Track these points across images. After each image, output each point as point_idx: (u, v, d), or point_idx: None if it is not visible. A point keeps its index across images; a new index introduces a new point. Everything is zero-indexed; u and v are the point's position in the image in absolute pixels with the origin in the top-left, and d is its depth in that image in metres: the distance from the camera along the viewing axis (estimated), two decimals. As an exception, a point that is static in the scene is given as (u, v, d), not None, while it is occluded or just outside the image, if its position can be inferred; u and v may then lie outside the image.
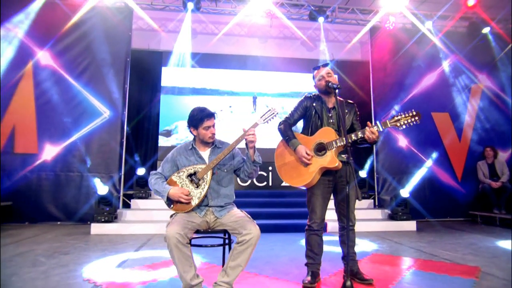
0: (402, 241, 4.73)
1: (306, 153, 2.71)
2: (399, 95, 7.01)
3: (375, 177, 6.92)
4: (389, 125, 2.62)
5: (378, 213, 6.29)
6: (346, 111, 2.95)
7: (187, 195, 2.37)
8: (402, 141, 6.93)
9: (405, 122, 2.59)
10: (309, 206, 2.91)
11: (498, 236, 5.08)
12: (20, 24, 6.15)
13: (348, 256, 2.62)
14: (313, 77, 3.02)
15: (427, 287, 2.76)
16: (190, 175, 2.46)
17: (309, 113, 2.94)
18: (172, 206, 2.41)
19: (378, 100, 7.07)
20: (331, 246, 4.10)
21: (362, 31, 7.18)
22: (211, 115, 2.52)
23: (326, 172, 2.82)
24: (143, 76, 7.66)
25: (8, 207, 5.80)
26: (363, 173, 6.91)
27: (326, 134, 2.77)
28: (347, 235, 2.68)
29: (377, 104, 7.06)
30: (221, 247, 2.60)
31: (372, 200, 6.72)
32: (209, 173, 2.45)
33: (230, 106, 8.09)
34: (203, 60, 7.90)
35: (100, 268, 3.21)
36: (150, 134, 7.67)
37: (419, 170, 6.84)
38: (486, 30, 7.06)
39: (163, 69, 7.86)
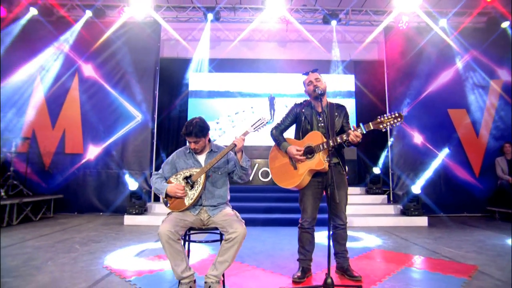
0: (408, 237, 4.53)
1: (297, 150, 2.69)
2: (414, 93, 6.65)
3: (390, 173, 6.65)
4: (372, 127, 2.54)
5: (390, 208, 6.05)
6: (336, 114, 2.87)
7: (181, 189, 2.46)
8: (417, 138, 6.58)
9: (388, 124, 2.49)
10: (301, 205, 2.90)
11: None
12: (65, 43, 6.63)
13: (329, 256, 2.49)
14: (303, 83, 2.96)
15: (414, 285, 2.65)
16: (186, 178, 2.55)
17: (300, 119, 2.90)
18: (168, 205, 2.52)
19: (393, 99, 6.75)
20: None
21: (375, 31, 6.88)
22: (188, 135, 2.54)
23: (317, 174, 2.78)
24: (173, 82, 7.93)
25: (60, 199, 6.32)
26: (376, 170, 6.65)
27: (314, 137, 2.73)
28: (329, 234, 2.59)
29: (392, 102, 6.76)
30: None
31: (386, 196, 6.45)
32: (203, 176, 2.52)
33: (252, 107, 8.13)
34: (227, 65, 8.03)
35: (120, 257, 3.42)
36: (180, 134, 7.93)
37: (435, 166, 6.46)
38: (505, 24, 6.44)
39: (191, 74, 8.07)
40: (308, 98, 2.98)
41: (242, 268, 3.07)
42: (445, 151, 6.44)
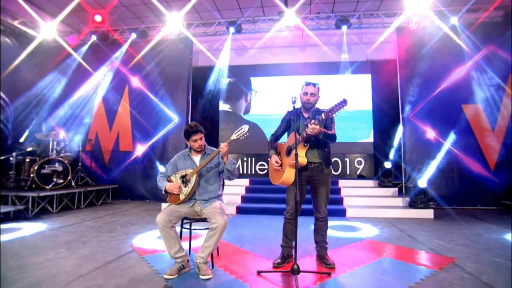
0: (407, 229, 4.39)
1: (276, 161, 2.87)
2: (427, 89, 6.24)
3: (403, 167, 6.35)
4: (324, 117, 2.56)
5: (399, 201, 5.81)
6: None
7: (177, 188, 2.76)
8: (430, 133, 6.18)
9: (335, 110, 2.49)
10: (286, 198, 3.02)
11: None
12: (118, 60, 7.37)
13: (295, 246, 2.57)
14: (301, 88, 2.98)
15: (381, 274, 2.67)
16: (182, 177, 2.85)
17: (289, 125, 3.03)
18: (168, 199, 2.84)
19: (406, 95, 6.39)
20: (334, 231, 4.08)
21: (386, 33, 6.54)
22: (197, 132, 2.83)
23: (300, 170, 2.85)
24: (206, 87, 8.32)
25: (116, 188, 7.14)
26: (388, 164, 6.39)
27: (293, 138, 2.84)
28: (296, 226, 2.70)
29: (405, 99, 6.41)
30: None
31: (397, 189, 6.19)
32: (195, 176, 2.80)
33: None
34: (251, 69, 8.24)
35: (145, 238, 3.87)
36: (213, 132, 8.35)
37: (448, 160, 6.03)
38: (524, 17, 5.70)
39: (221, 80, 8.41)
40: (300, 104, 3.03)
41: (237, 252, 3.31)
42: (455, 139, 5.96)
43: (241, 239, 3.85)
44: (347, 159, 7.75)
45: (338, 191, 6.34)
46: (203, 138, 2.90)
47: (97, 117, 7.50)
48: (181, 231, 2.94)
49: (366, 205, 5.79)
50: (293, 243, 3.00)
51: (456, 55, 6.10)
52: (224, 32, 7.36)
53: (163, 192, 2.85)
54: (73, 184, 6.35)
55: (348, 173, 7.72)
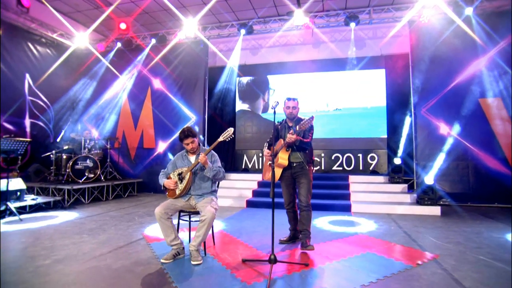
0: (405, 226, 4.42)
1: (268, 152, 3.34)
2: (441, 84, 6.04)
3: (414, 163, 6.24)
4: (298, 129, 3.06)
5: (407, 197, 5.76)
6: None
7: (173, 184, 3.13)
8: (444, 129, 6.01)
9: (306, 123, 2.98)
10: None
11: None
12: (141, 64, 7.97)
13: (273, 239, 2.84)
14: (284, 102, 3.39)
15: (357, 266, 2.84)
16: (179, 174, 3.21)
17: (278, 133, 3.46)
18: (166, 193, 3.23)
19: (419, 90, 6.24)
20: (331, 225, 4.26)
21: (397, 27, 6.39)
22: (187, 137, 3.16)
23: (285, 169, 3.34)
24: (223, 87, 8.69)
25: (141, 182, 7.80)
26: (397, 160, 6.32)
27: (279, 144, 3.32)
28: (273, 219, 2.97)
29: (417, 93, 6.25)
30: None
31: (406, 185, 6.12)
32: (188, 174, 3.14)
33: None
34: (267, 68, 8.43)
35: (156, 227, 4.30)
36: (227, 125, 8.70)
37: (462, 156, 5.84)
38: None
39: (238, 79, 8.72)
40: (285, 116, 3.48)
41: (232, 242, 3.62)
42: (470, 135, 5.76)
43: (241, 230, 4.17)
44: (360, 155, 7.72)
45: (346, 186, 6.41)
46: (195, 141, 3.21)
47: (124, 117, 8.19)
48: (178, 223, 3.32)
49: (372, 201, 5.82)
50: (297, 227, 3.48)
51: (471, 47, 5.82)
52: (237, 33, 7.62)
53: (162, 188, 3.24)
54: (102, 178, 7.07)
55: (361, 168, 7.70)
